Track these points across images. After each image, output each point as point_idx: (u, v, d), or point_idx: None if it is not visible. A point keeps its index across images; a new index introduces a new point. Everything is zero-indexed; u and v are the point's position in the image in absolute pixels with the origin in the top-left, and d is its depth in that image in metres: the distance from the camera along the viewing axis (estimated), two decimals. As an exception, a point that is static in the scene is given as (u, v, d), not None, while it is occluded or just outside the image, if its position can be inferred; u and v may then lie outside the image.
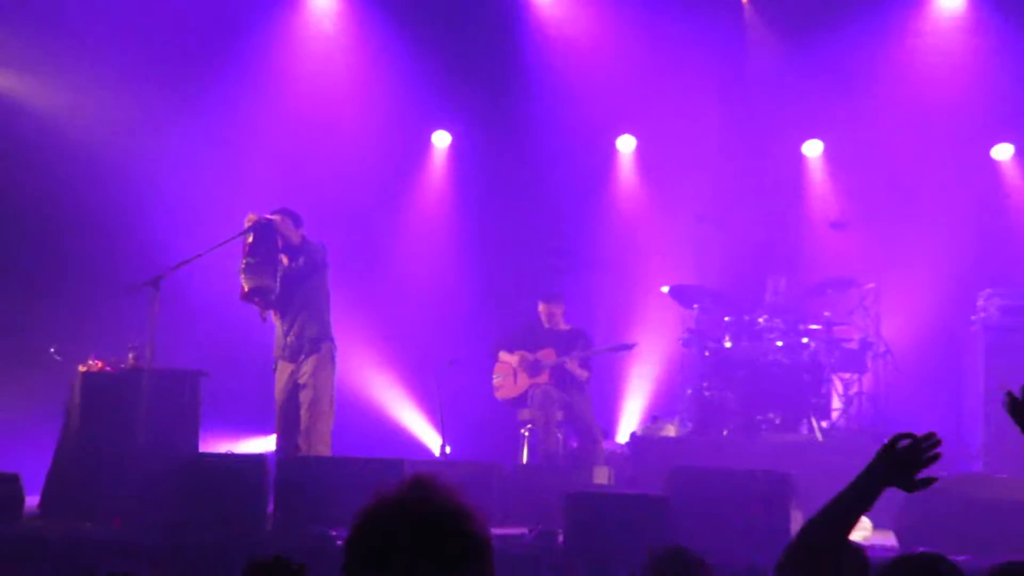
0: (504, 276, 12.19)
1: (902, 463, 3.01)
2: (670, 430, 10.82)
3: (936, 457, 3.01)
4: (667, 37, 11.80)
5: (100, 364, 8.45)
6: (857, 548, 4.44)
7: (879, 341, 10.83)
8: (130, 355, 8.50)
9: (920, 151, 11.84)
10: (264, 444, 9.93)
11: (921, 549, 6.22)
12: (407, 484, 2.17)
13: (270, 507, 7.64)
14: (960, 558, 6.70)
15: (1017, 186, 12.41)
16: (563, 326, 10.62)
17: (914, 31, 12.02)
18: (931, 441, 3.02)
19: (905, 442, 2.99)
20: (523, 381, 10.45)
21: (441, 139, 12.88)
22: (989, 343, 10.60)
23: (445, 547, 2.11)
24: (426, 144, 12.87)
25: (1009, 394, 3.03)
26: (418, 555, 2.10)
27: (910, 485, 3.01)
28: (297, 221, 8.78)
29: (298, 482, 7.69)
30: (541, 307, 10.64)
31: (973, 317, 10.97)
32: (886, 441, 3.09)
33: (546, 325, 10.61)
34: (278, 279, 8.61)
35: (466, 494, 2.19)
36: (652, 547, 4.52)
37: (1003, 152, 12.44)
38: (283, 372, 8.86)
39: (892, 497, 7.97)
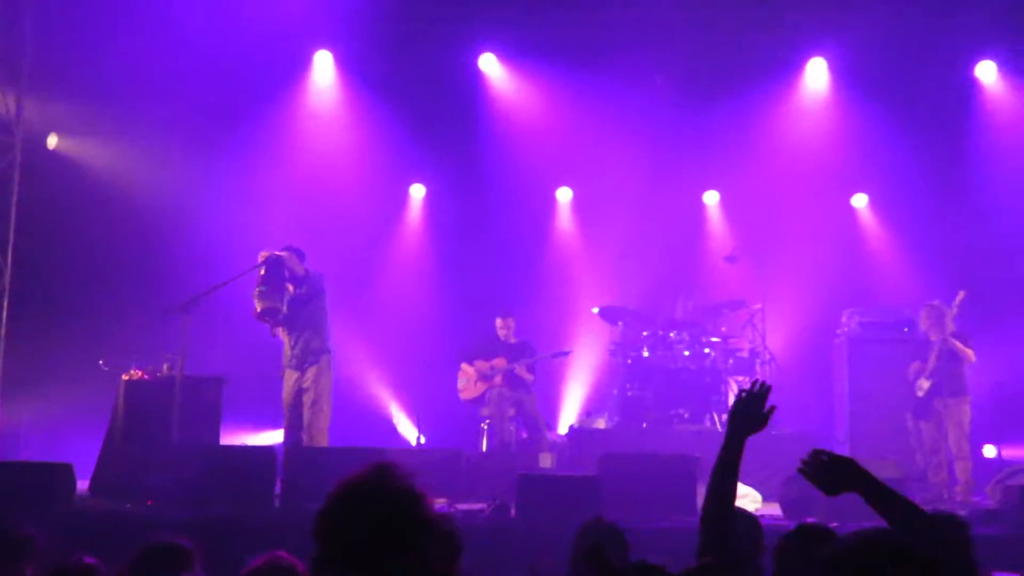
0: (467, 299, 12.11)
1: (746, 413, 3.08)
2: (601, 423, 10.78)
3: (769, 408, 3.09)
4: (597, 106, 11.81)
5: (140, 373, 8.35)
6: (751, 515, 4.39)
7: (765, 351, 10.85)
8: (165, 365, 8.41)
9: (795, 198, 11.92)
10: (273, 438, 9.77)
11: (810, 520, 6.23)
12: (370, 469, 2.12)
13: (277, 489, 7.49)
14: (831, 524, 6.70)
15: (868, 227, 12.53)
16: (513, 339, 10.56)
17: (789, 104, 12.11)
18: (763, 389, 3.02)
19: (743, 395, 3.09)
20: (481, 385, 10.39)
21: (417, 191, 12.84)
22: (851, 352, 10.62)
23: (395, 523, 2.06)
24: (405, 194, 12.83)
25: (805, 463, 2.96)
26: (373, 530, 2.04)
27: (755, 428, 3.07)
28: (301, 256, 8.74)
29: (300, 468, 7.55)
30: (498, 322, 10.58)
31: (838, 331, 10.99)
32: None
33: (500, 338, 10.54)
34: (285, 303, 8.57)
35: (421, 479, 2.14)
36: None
37: (859, 200, 12.55)
38: (290, 378, 8.78)
39: (777, 475, 7.99)
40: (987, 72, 11.75)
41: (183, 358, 7.97)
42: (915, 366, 9.44)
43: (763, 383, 3.16)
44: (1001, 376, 9.78)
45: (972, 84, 11.82)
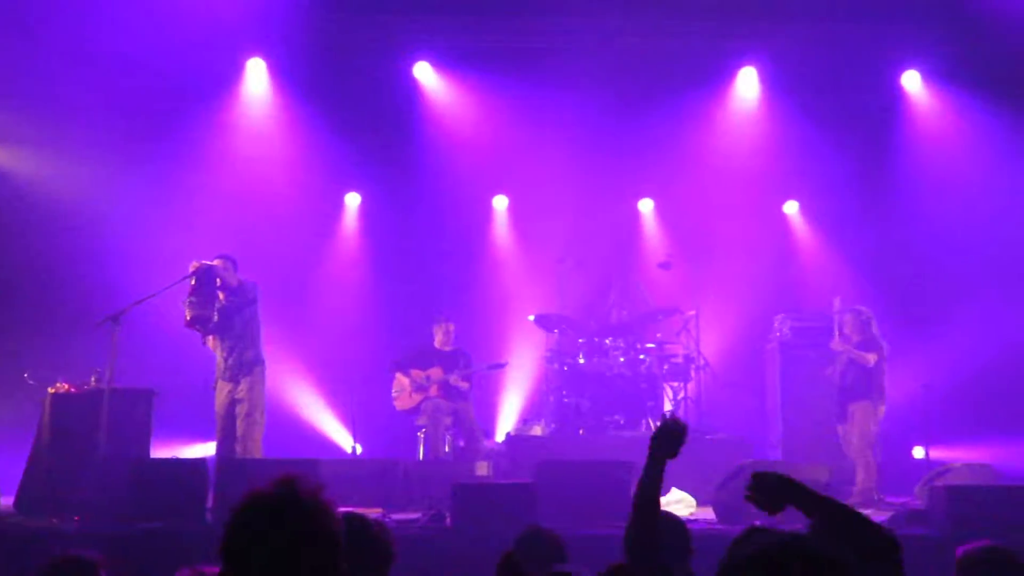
0: (404, 308, 12.06)
1: (667, 436, 3.30)
2: (537, 430, 10.78)
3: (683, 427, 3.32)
4: (532, 114, 11.83)
5: (67, 386, 8.16)
6: (678, 520, 4.44)
7: (699, 356, 10.93)
8: (93, 378, 8.24)
9: (728, 206, 12.08)
10: (205, 450, 9.61)
11: (752, 524, 6.28)
12: (276, 481, 2.09)
13: (209, 502, 7.37)
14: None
15: (800, 233, 12.73)
16: (450, 347, 10.53)
17: (721, 112, 12.26)
18: (678, 423, 3.31)
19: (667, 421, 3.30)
20: (416, 396, 10.34)
21: (353, 199, 12.76)
22: (783, 357, 10.78)
23: (298, 535, 2.03)
24: (340, 203, 12.74)
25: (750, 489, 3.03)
26: (276, 541, 2.01)
27: (673, 452, 3.31)
28: (234, 264, 8.64)
29: (233, 480, 7.41)
30: (436, 328, 10.54)
31: (771, 336, 11.15)
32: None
33: (437, 345, 10.50)
34: (215, 312, 8.44)
35: (328, 492, 2.12)
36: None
37: (791, 207, 12.76)
38: (222, 390, 8.67)
39: (709, 480, 8.05)
40: (912, 81, 12.02)
41: (111, 370, 7.80)
42: (828, 371, 9.71)
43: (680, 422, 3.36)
44: (927, 379, 9.98)
45: (898, 93, 12.08)
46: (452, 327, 10.53)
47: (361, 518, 3.50)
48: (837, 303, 9.80)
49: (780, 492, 2.96)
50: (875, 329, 9.54)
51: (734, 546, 3.01)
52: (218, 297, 8.48)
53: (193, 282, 8.29)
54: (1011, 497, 6.90)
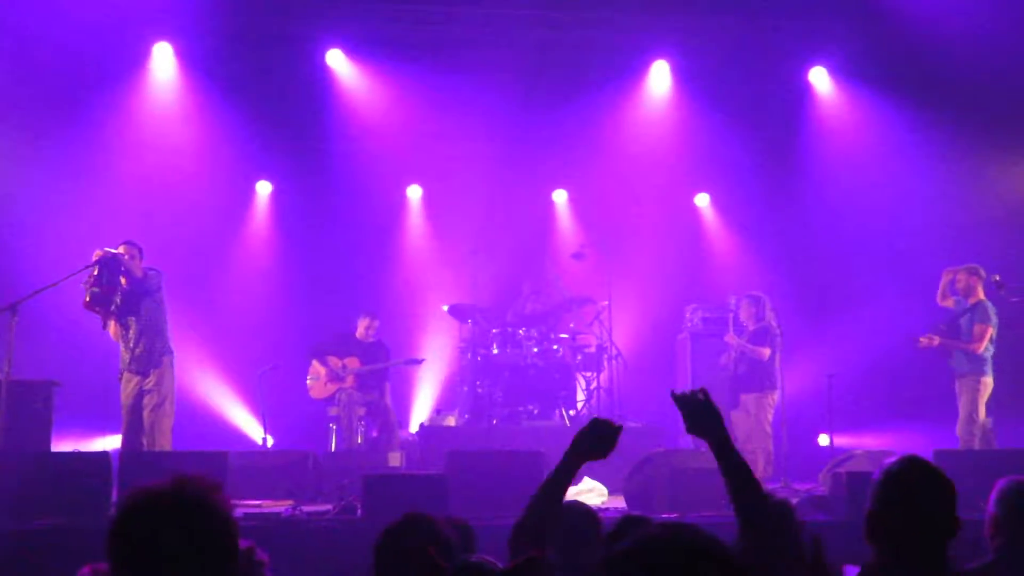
0: (315, 297, 11.92)
1: (595, 438, 3.15)
2: (451, 420, 10.76)
3: (617, 430, 3.20)
4: (446, 104, 11.77)
5: (-38, 378, 7.80)
6: (588, 509, 4.45)
7: (612, 346, 11.02)
8: (-10, 369, 7.89)
9: (641, 198, 12.22)
10: (110, 443, 9.37)
11: (637, 512, 6.34)
12: (167, 479, 2.01)
13: (114, 497, 7.17)
14: (669, 516, 6.86)
15: (711, 225, 12.92)
16: (371, 339, 10.45)
17: (634, 105, 12.35)
18: (611, 425, 3.19)
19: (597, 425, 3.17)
20: (332, 385, 10.26)
21: (264, 187, 12.56)
22: (694, 346, 10.94)
23: (189, 530, 1.96)
24: (251, 191, 12.53)
25: (672, 393, 3.10)
26: (165, 537, 1.94)
27: (598, 456, 3.18)
28: (139, 252, 8.37)
29: (139, 474, 7.21)
30: (363, 321, 10.46)
31: (682, 326, 11.29)
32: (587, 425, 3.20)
33: (359, 336, 10.41)
34: (118, 297, 8.18)
35: (223, 490, 2.04)
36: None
37: (702, 200, 12.93)
38: (129, 381, 8.43)
39: (621, 469, 8.10)
40: (819, 77, 12.27)
41: (9, 361, 7.52)
42: (723, 359, 9.94)
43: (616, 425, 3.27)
44: (832, 368, 10.22)
45: (806, 88, 12.32)
46: (376, 323, 10.50)
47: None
48: (732, 300, 10.05)
49: (708, 422, 3.02)
50: (770, 315, 9.77)
51: (611, 538, 3.03)
52: (121, 285, 8.22)
53: (96, 271, 8.04)
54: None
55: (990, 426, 9.02)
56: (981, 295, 9.13)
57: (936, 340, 9.05)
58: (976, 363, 9.04)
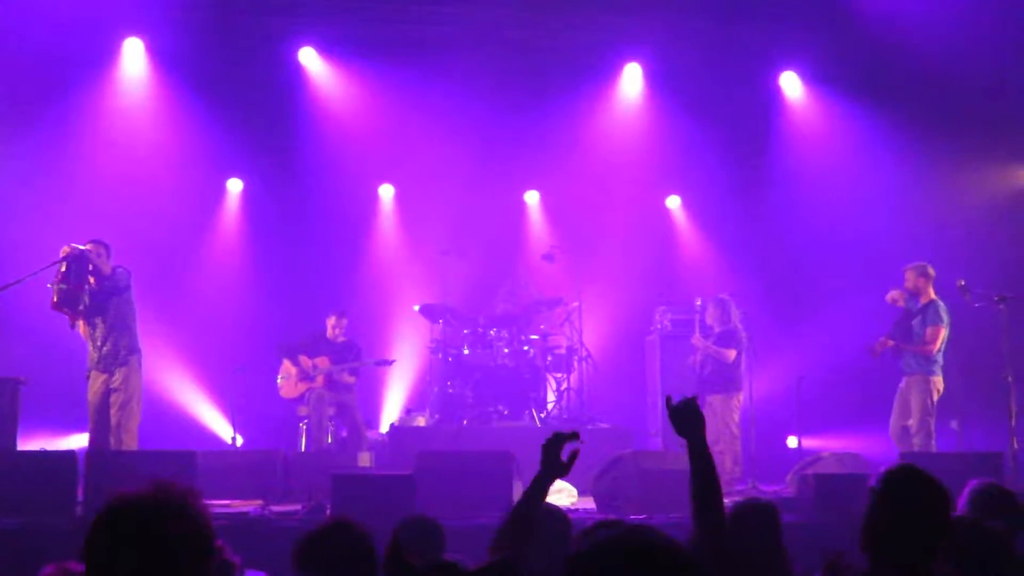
0: (286, 295, 11.87)
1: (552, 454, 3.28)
2: (421, 421, 10.74)
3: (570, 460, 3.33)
4: (419, 103, 11.79)
5: (-75, 376, 7.73)
6: (560, 512, 4.47)
7: (582, 348, 11.05)
8: (-46, 367, 7.82)
9: (612, 199, 12.27)
10: (78, 442, 9.28)
11: (611, 516, 6.37)
12: (146, 484, 2.00)
13: (80, 496, 7.11)
14: (637, 517, 6.89)
15: (681, 228, 12.98)
16: (341, 338, 10.42)
17: (606, 107, 12.41)
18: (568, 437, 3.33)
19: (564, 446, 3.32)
20: (302, 385, 10.23)
21: (235, 185, 12.49)
22: (663, 348, 10.97)
23: (166, 535, 1.95)
24: (222, 189, 12.45)
25: (667, 399, 3.18)
26: (142, 541, 1.93)
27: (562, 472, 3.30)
28: (107, 250, 8.29)
29: (105, 472, 7.16)
30: (331, 320, 10.42)
31: (651, 328, 11.33)
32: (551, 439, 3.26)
33: (329, 335, 10.38)
34: (86, 296, 8.10)
35: (200, 495, 2.03)
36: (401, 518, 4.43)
37: (673, 202, 13.00)
38: (96, 380, 8.34)
39: (590, 469, 8.11)
40: (790, 82, 12.37)
41: (-25, 359, 7.45)
42: (690, 360, 10.00)
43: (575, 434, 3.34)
44: (801, 370, 10.29)
45: (776, 92, 12.42)
46: (345, 321, 10.46)
47: None
48: (699, 302, 10.11)
49: (690, 423, 3.16)
50: (735, 318, 9.83)
51: (579, 539, 3.07)
52: (89, 282, 8.14)
53: (63, 268, 7.95)
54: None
55: (932, 428, 9.03)
56: (932, 295, 9.16)
57: (890, 343, 9.09)
58: (926, 364, 9.02)
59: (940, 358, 9.07)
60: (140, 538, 1.94)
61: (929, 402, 8.97)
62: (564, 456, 3.26)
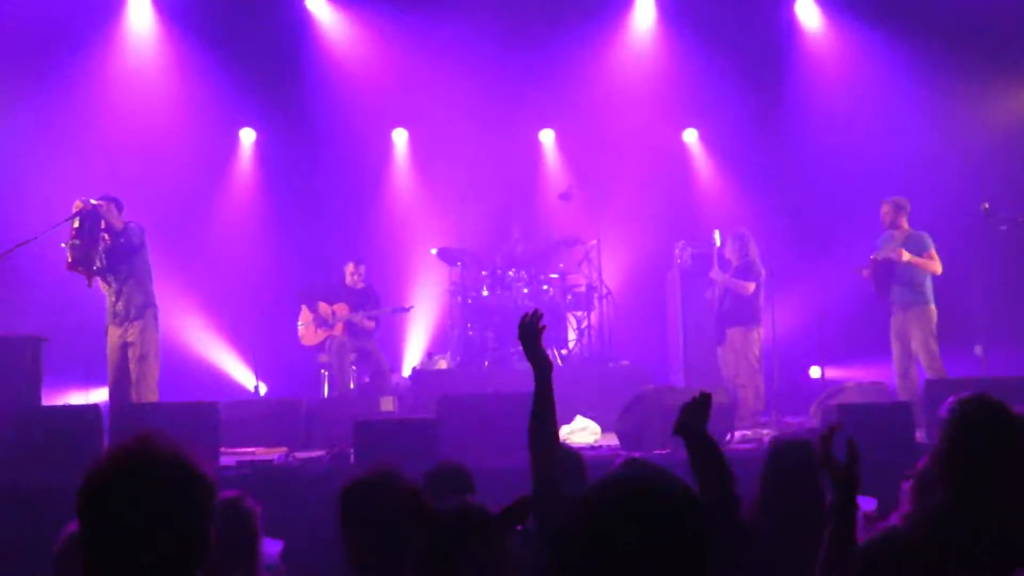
0: (303, 243, 11.83)
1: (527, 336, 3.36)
2: (443, 364, 10.74)
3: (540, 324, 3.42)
4: (429, 46, 11.62)
5: (-53, 338, 7.75)
6: (573, 451, 4.48)
7: (602, 286, 10.97)
8: (-26, 328, 7.85)
9: (628, 135, 12.06)
10: (98, 397, 9.32)
11: (636, 453, 6.35)
12: (135, 437, 1.96)
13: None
14: (662, 452, 6.87)
15: (699, 162, 12.82)
16: (360, 285, 10.40)
17: (620, 41, 12.20)
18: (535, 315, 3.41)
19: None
20: (321, 332, 10.24)
21: (247, 135, 12.40)
22: (684, 284, 10.88)
23: (162, 490, 1.91)
24: (234, 140, 12.37)
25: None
26: (137, 497, 1.89)
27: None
28: (119, 206, 8.25)
29: (130, 426, 7.18)
30: (349, 267, 10.41)
31: (671, 264, 11.23)
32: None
33: (348, 282, 10.36)
34: (100, 254, 8.09)
35: (189, 446, 1.98)
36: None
37: (690, 136, 12.81)
38: (114, 334, 8.37)
39: (615, 407, 8.07)
40: (806, 10, 12.11)
41: (-6, 319, 7.47)
42: (708, 294, 9.92)
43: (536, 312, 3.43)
44: (823, 303, 10.19)
45: (793, 21, 12.16)
46: (363, 268, 10.43)
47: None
48: (717, 236, 9.99)
49: (690, 426, 3.11)
50: (754, 252, 9.73)
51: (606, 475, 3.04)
52: (103, 239, 8.11)
53: (76, 223, 7.92)
54: (897, 412, 7.10)
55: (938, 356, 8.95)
56: (907, 227, 9.07)
57: (903, 255, 8.84)
58: (921, 293, 8.92)
59: (931, 286, 8.96)
60: (130, 496, 1.89)
61: (932, 331, 8.88)
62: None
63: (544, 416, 3.22)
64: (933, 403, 6.17)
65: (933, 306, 8.93)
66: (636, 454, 7.03)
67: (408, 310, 10.89)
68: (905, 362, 9.00)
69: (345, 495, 3.14)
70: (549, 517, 3.04)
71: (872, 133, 11.51)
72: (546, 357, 3.24)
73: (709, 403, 3.16)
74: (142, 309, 8.33)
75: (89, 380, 9.79)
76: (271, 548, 4.05)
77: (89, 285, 8.22)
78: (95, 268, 8.08)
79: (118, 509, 1.88)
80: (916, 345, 8.89)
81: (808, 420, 9.10)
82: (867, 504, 4.18)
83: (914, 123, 11.42)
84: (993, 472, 2.73)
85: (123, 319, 8.32)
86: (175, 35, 11.50)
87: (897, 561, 2.73)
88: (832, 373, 10.67)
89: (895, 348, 9.04)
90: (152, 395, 8.23)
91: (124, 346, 8.32)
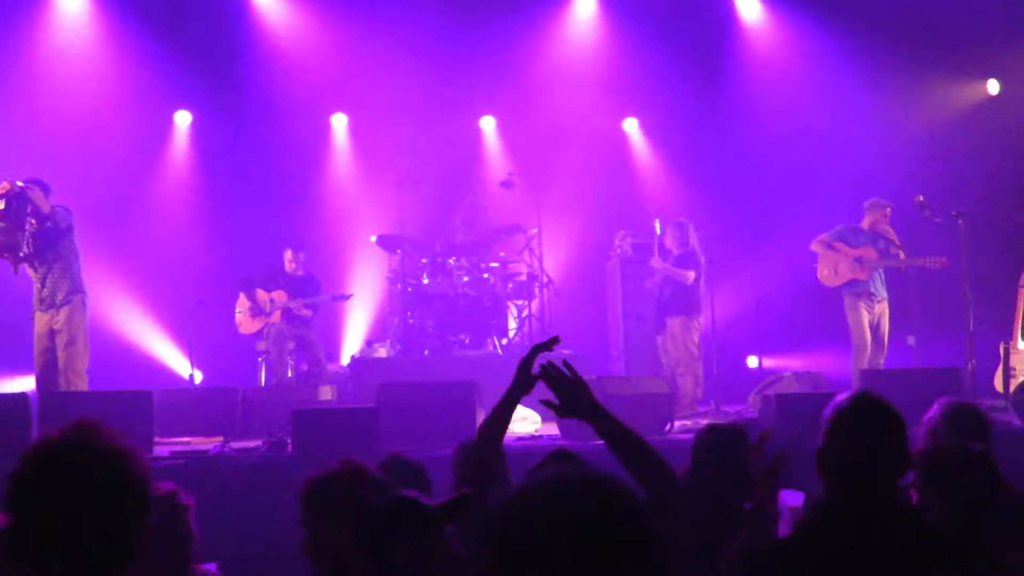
0: (240, 229, 11.62)
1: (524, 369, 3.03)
2: (382, 352, 10.64)
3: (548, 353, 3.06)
4: (371, 30, 11.49)
5: None
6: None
7: (543, 274, 10.94)
8: None
9: (569, 124, 12.07)
10: (23, 384, 9.08)
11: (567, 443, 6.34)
12: (70, 427, 1.88)
13: (34, 438, 6.94)
14: (600, 443, 6.86)
15: (639, 151, 12.87)
16: (300, 272, 10.25)
17: (561, 29, 12.20)
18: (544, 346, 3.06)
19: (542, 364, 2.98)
20: (259, 321, 10.08)
21: (183, 118, 12.14)
22: (624, 272, 10.91)
23: (97, 482, 1.84)
24: (169, 122, 12.10)
25: (544, 365, 2.96)
26: (70, 489, 1.82)
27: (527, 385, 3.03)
28: (46, 190, 8.01)
29: (60, 415, 7.00)
30: (287, 254, 10.23)
31: (611, 253, 11.26)
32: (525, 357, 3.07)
33: (287, 269, 10.21)
34: (26, 240, 7.87)
35: (125, 437, 1.92)
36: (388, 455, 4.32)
37: (630, 124, 12.85)
38: (40, 320, 8.15)
39: (554, 397, 8.03)
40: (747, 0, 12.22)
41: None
42: (648, 283, 10.00)
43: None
44: (760, 292, 10.30)
45: (733, 11, 12.24)
46: (302, 255, 10.27)
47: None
48: (657, 225, 10.05)
49: (576, 401, 2.93)
50: (694, 240, 9.82)
51: (526, 476, 2.97)
52: (29, 223, 7.89)
53: (2, 205, 7.68)
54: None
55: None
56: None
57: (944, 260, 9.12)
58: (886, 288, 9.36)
59: None
60: (65, 485, 1.83)
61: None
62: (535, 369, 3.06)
63: (503, 421, 3.10)
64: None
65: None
66: (566, 443, 7.04)
67: (347, 298, 10.79)
68: (878, 358, 9.31)
69: (312, 491, 3.08)
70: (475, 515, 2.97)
71: (812, 124, 11.64)
72: (530, 382, 3.04)
73: (576, 374, 2.96)
74: (69, 295, 8.11)
75: (15, 368, 9.55)
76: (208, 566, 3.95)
77: (15, 271, 7.99)
78: (21, 255, 7.86)
79: (50, 500, 1.81)
80: (884, 335, 9.29)
81: (746, 408, 9.21)
82: (793, 499, 4.22)
83: (854, 114, 11.59)
84: (871, 469, 2.69)
85: (49, 305, 8.10)
86: (108, 12, 11.22)
87: (778, 569, 2.73)
88: (769, 362, 10.81)
89: (872, 342, 9.29)
90: (81, 382, 8.03)
91: (51, 333, 8.10)
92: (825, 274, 9.46)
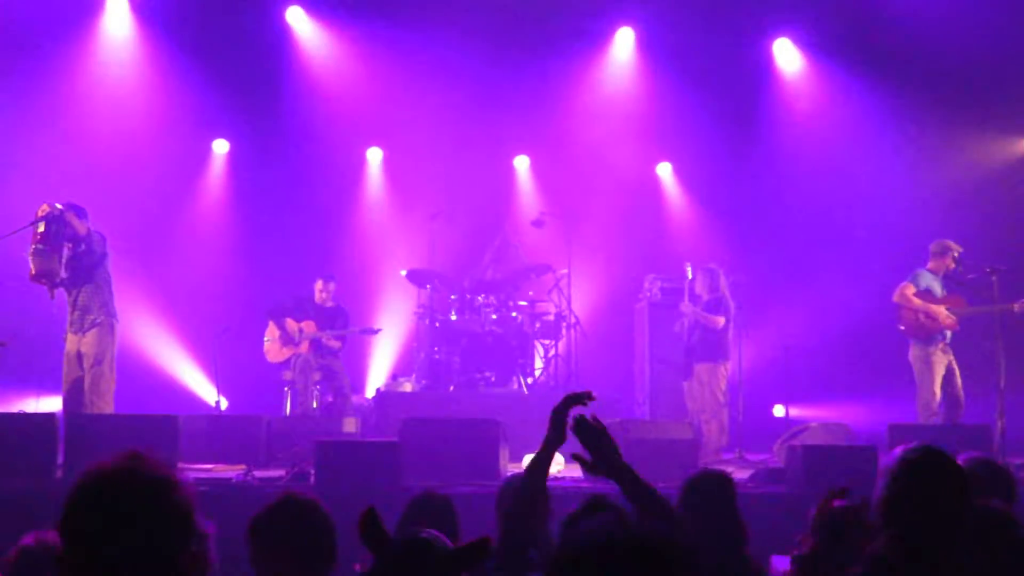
0: (272, 258, 11.75)
1: (559, 423, 3.13)
2: (407, 386, 10.68)
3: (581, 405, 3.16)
4: (409, 65, 11.64)
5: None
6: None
7: (571, 315, 10.96)
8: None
9: (602, 166, 12.16)
10: (52, 404, 9.18)
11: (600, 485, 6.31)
12: (121, 455, 1.93)
13: (60, 458, 7.03)
14: (614, 487, 6.83)
15: (672, 195, 12.90)
16: (330, 303, 10.33)
17: (598, 71, 12.29)
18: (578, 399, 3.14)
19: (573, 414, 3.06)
20: (287, 350, 10.16)
21: (220, 146, 12.33)
22: (652, 316, 10.90)
23: (146, 510, 1.89)
24: (207, 150, 12.29)
25: (578, 419, 3.03)
26: (121, 516, 1.87)
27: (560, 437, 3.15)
28: (82, 214, 8.14)
29: (85, 436, 7.09)
30: (318, 284, 10.32)
31: (640, 296, 11.27)
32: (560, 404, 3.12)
33: (317, 300, 10.29)
34: (63, 264, 7.99)
35: (174, 468, 1.96)
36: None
37: (664, 169, 12.91)
38: (71, 342, 8.23)
39: (576, 438, 8.02)
40: (783, 49, 12.26)
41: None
42: (676, 327, 9.96)
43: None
44: (789, 340, 10.26)
45: (771, 60, 12.30)
46: (333, 286, 10.35)
47: None
48: (689, 269, 10.02)
49: (606, 461, 3.02)
50: (724, 287, 9.76)
51: (565, 528, 3.01)
52: (65, 247, 8.01)
53: (42, 228, 7.82)
54: (862, 455, 7.13)
55: None
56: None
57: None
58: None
59: None
60: (117, 512, 1.87)
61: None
62: (570, 420, 3.13)
63: (542, 472, 3.17)
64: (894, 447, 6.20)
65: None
66: (588, 485, 7.02)
67: (376, 332, 10.82)
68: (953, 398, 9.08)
69: (262, 522, 3.13)
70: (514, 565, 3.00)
71: (845, 175, 11.64)
72: (563, 435, 3.13)
73: (605, 431, 3.05)
74: (98, 318, 8.19)
75: (42, 388, 9.65)
76: None
77: (52, 297, 8.11)
78: (58, 280, 7.97)
79: (102, 527, 1.86)
80: (958, 380, 9.03)
81: (771, 458, 9.14)
82: (783, 563, 4.19)
83: (888, 166, 11.57)
84: (938, 523, 2.72)
85: (79, 328, 8.19)
86: (152, 40, 11.44)
87: None
88: (796, 411, 10.73)
89: (944, 386, 9.03)
90: (105, 405, 8.08)
91: (79, 355, 8.18)
92: (913, 323, 9.02)
